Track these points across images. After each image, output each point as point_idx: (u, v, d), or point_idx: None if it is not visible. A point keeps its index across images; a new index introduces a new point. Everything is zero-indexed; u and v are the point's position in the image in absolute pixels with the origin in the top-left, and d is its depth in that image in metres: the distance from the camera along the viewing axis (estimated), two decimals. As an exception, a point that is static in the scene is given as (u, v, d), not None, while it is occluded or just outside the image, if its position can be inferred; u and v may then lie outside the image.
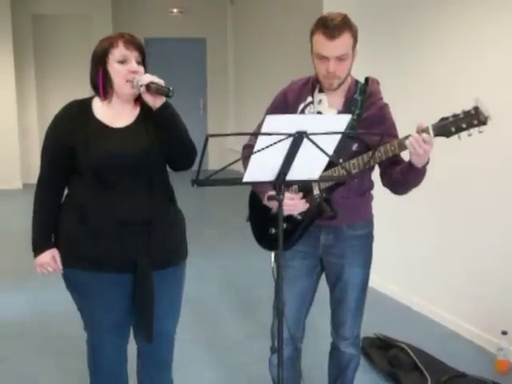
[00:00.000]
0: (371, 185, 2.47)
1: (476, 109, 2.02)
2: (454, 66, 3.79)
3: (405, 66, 4.24)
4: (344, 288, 2.46)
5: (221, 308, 4.33)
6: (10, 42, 8.71)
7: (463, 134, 2.06)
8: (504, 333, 3.34)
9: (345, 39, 2.19)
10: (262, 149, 1.75)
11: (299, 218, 2.36)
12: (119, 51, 2.16)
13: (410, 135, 2.10)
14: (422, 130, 2.08)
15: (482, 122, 2.02)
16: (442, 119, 2.09)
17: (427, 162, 2.17)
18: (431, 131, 2.08)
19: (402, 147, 2.14)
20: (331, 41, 2.17)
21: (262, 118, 1.80)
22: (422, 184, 2.30)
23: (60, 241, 2.29)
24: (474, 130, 2.04)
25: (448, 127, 2.07)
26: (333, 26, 2.16)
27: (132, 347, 2.47)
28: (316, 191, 2.33)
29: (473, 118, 2.03)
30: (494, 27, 3.46)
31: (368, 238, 2.49)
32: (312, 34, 2.24)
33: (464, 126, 2.05)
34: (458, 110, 2.06)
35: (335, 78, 2.24)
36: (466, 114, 2.04)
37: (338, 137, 1.87)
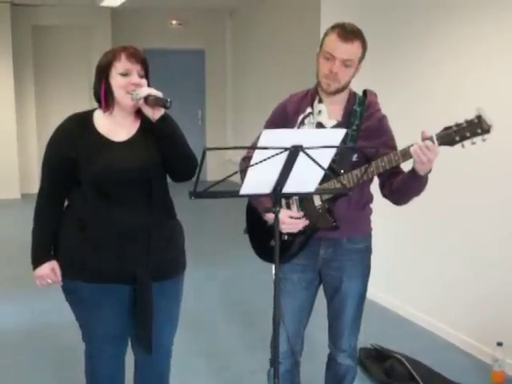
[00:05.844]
0: (371, 197, 2.48)
1: (479, 117, 2.05)
2: (454, 80, 3.81)
3: (404, 79, 4.26)
4: (342, 300, 2.47)
5: (219, 320, 4.32)
6: (9, 53, 8.72)
7: (467, 142, 2.08)
8: (499, 344, 3.35)
9: (356, 47, 2.25)
10: (258, 163, 1.78)
11: (300, 229, 2.36)
12: (122, 64, 2.19)
13: (413, 144, 2.12)
14: (426, 139, 2.10)
15: (486, 130, 2.05)
16: (446, 128, 2.11)
17: (429, 171, 2.19)
18: (435, 140, 2.09)
19: (406, 156, 2.15)
20: (344, 42, 2.23)
21: (261, 130, 1.82)
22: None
23: (59, 252, 2.30)
24: (477, 139, 2.06)
25: (452, 136, 2.09)
26: (350, 30, 2.24)
27: (129, 358, 2.48)
28: (318, 202, 2.34)
29: (476, 127, 2.05)
30: (496, 39, 3.48)
31: (367, 252, 2.51)
32: (326, 34, 2.29)
33: (468, 134, 2.07)
34: (460, 121, 2.08)
35: (336, 82, 2.27)
36: (469, 122, 2.07)
37: (334, 150, 1.90)
